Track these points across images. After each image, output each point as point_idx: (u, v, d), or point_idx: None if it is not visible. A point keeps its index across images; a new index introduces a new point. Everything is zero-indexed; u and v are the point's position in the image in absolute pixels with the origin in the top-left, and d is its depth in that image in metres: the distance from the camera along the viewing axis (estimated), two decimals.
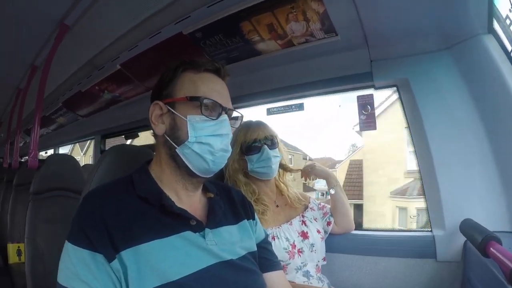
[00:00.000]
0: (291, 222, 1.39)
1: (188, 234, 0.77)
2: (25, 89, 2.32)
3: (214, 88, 0.85)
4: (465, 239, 1.24)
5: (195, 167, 0.81)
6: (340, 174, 11.54)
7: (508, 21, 1.12)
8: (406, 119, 1.52)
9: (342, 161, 13.06)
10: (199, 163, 0.81)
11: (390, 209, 9.44)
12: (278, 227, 1.34)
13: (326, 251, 1.44)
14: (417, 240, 1.43)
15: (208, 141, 0.80)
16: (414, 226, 8.78)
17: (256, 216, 1.01)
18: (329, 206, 1.52)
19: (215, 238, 0.81)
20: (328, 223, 1.47)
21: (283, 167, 1.50)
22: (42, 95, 1.78)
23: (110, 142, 3.43)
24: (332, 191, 1.48)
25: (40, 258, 1.54)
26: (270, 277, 0.93)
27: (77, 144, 4.87)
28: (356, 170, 11.43)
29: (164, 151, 0.84)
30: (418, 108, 1.41)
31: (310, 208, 1.48)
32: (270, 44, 1.57)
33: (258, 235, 0.98)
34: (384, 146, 9.87)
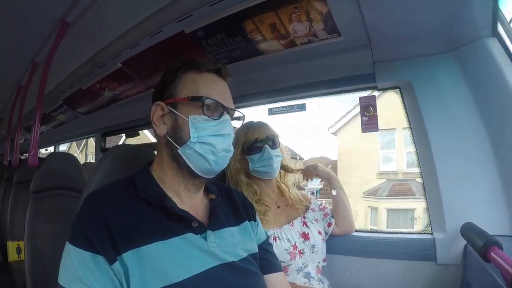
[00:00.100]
0: (292, 223, 1.38)
1: (190, 236, 0.77)
2: (26, 86, 2.32)
3: (215, 88, 0.85)
4: (466, 242, 1.24)
5: (197, 168, 0.81)
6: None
7: None
8: (408, 121, 1.51)
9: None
10: (201, 163, 0.81)
11: (362, 208, 9.71)
12: (280, 228, 1.34)
13: (327, 253, 1.44)
14: (418, 242, 1.43)
15: (210, 141, 0.80)
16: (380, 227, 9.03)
17: (257, 217, 1.01)
18: (330, 207, 1.51)
19: (217, 240, 0.81)
20: (329, 224, 1.47)
21: (284, 168, 1.49)
22: (42, 93, 1.77)
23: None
24: (334, 192, 1.48)
25: (40, 257, 1.54)
26: (271, 278, 0.93)
27: (74, 142, 4.87)
28: (333, 171, 11.69)
29: (166, 152, 0.84)
30: (420, 111, 1.40)
31: (311, 209, 1.47)
32: (272, 44, 1.56)
33: (259, 237, 0.97)
34: (358, 148, 10.20)
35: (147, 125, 2.81)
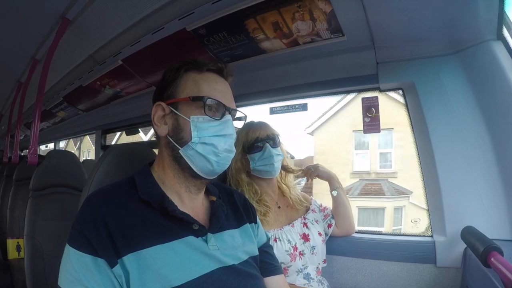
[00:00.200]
0: (292, 224, 1.38)
1: (191, 239, 0.76)
2: (26, 83, 2.31)
3: (217, 88, 0.84)
4: (466, 245, 1.23)
5: (199, 169, 0.80)
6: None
7: None
8: (411, 124, 1.50)
9: None
10: (203, 164, 0.80)
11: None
12: (280, 229, 1.34)
13: (327, 253, 1.43)
14: (418, 245, 1.43)
15: (212, 142, 0.79)
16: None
17: (258, 220, 1.01)
18: (331, 208, 1.51)
19: (218, 243, 0.80)
20: (329, 225, 1.47)
21: (284, 168, 1.49)
22: (43, 89, 1.77)
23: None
24: (334, 193, 1.47)
25: (39, 256, 1.54)
26: (271, 281, 0.92)
27: (72, 139, 4.88)
28: None
29: (167, 153, 0.83)
30: (423, 113, 1.39)
31: (312, 210, 1.47)
32: (275, 42, 1.55)
33: (259, 239, 0.97)
34: (333, 148, 10.44)
35: (148, 122, 2.80)
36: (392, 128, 10.07)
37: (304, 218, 1.42)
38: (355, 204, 9.43)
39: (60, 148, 5.03)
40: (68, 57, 2.05)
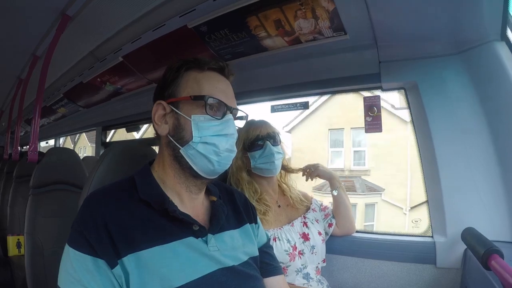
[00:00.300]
0: (292, 223, 1.38)
1: (191, 240, 0.76)
2: (26, 79, 2.31)
3: (218, 87, 0.83)
4: (466, 247, 1.23)
5: (200, 168, 0.80)
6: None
7: None
8: (412, 124, 1.49)
9: None
10: (203, 164, 0.79)
11: None
12: (280, 229, 1.33)
13: (326, 252, 1.43)
14: (418, 245, 1.42)
15: (213, 141, 0.78)
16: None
17: (258, 220, 1.00)
18: (331, 208, 1.50)
19: (218, 244, 0.80)
20: (330, 225, 1.46)
21: (285, 168, 1.48)
22: (43, 85, 1.77)
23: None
24: (335, 193, 1.47)
25: (39, 253, 1.54)
26: (271, 282, 0.92)
27: (69, 136, 4.89)
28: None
29: (167, 152, 0.82)
30: (425, 113, 1.38)
31: (312, 209, 1.46)
32: (277, 40, 1.54)
33: (260, 239, 0.97)
34: (310, 146, 10.68)
35: (148, 119, 2.80)
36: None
37: (304, 217, 1.41)
38: (328, 200, 9.69)
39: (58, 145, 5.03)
40: (69, 53, 2.05)
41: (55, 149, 2.07)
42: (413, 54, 1.40)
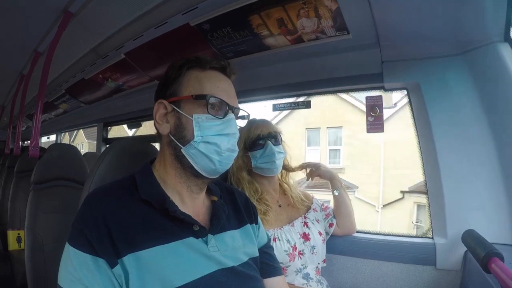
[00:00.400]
0: (293, 223, 1.37)
1: (191, 240, 0.76)
2: (28, 75, 2.31)
3: (220, 86, 0.83)
4: (466, 249, 1.23)
5: (201, 168, 0.79)
6: None
7: None
8: (414, 124, 1.48)
9: None
10: (205, 163, 0.79)
11: None
12: (280, 229, 1.33)
13: (326, 252, 1.43)
14: (418, 246, 1.42)
15: (214, 141, 0.78)
16: None
17: (259, 220, 1.00)
18: (332, 208, 1.50)
19: (218, 244, 0.80)
20: (330, 225, 1.46)
21: (285, 168, 1.48)
22: (45, 81, 1.76)
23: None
24: (336, 193, 1.47)
25: (40, 248, 1.55)
26: (271, 283, 0.92)
27: (67, 132, 4.90)
28: None
29: (168, 152, 0.82)
30: (427, 114, 1.38)
31: (313, 209, 1.46)
32: (279, 39, 1.53)
33: (260, 240, 0.96)
34: (288, 144, 11.00)
35: (149, 116, 2.80)
36: (341, 127, 10.82)
37: (305, 217, 1.41)
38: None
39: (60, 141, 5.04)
40: (71, 50, 2.05)
41: (56, 145, 2.07)
42: (416, 54, 1.40)
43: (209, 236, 0.79)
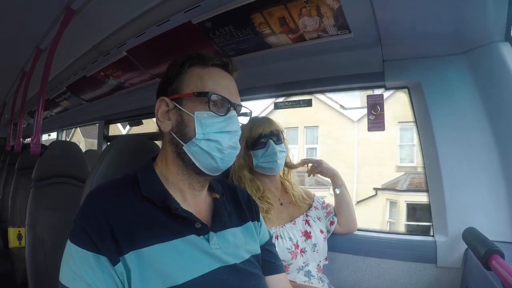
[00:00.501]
0: (294, 221, 1.37)
1: (193, 238, 0.76)
2: (30, 72, 2.32)
3: (222, 83, 0.82)
4: (467, 246, 1.23)
5: (203, 165, 0.79)
6: None
7: None
8: (415, 123, 1.49)
9: None
10: (207, 161, 0.78)
11: None
12: (282, 227, 1.33)
13: (328, 250, 1.43)
14: (419, 244, 1.43)
15: (216, 138, 0.78)
16: None
17: (261, 217, 1.00)
18: (333, 205, 1.50)
19: (219, 242, 0.79)
20: (331, 223, 1.46)
21: (287, 165, 1.48)
22: (46, 78, 1.77)
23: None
24: (337, 191, 1.47)
25: (40, 245, 1.54)
26: (273, 280, 0.92)
27: (65, 130, 4.91)
28: None
29: (170, 149, 0.82)
30: (428, 113, 1.38)
31: (314, 207, 1.46)
32: (281, 37, 1.53)
33: (262, 237, 0.96)
34: None
35: (151, 114, 2.80)
36: (318, 126, 11.11)
37: (307, 215, 1.41)
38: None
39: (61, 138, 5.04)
40: (73, 47, 2.05)
41: (57, 142, 2.07)
42: (417, 53, 1.40)
43: (211, 233, 0.79)
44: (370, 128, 1.56)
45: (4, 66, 2.62)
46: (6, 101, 4.02)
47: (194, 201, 0.83)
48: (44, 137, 5.49)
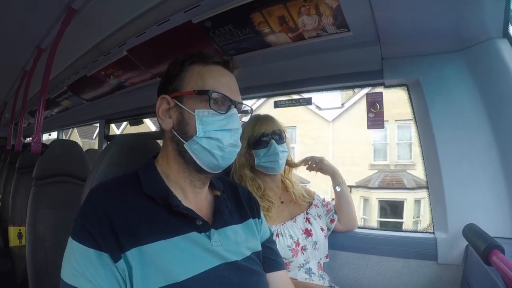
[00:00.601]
0: (295, 219, 1.38)
1: (194, 235, 0.76)
2: (31, 71, 2.32)
3: (222, 81, 0.82)
4: (467, 243, 1.23)
5: (204, 163, 0.79)
6: None
7: None
8: (415, 120, 1.50)
9: None
10: (207, 158, 0.79)
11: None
12: (283, 224, 1.34)
13: (328, 248, 1.43)
14: (419, 241, 1.43)
15: (217, 136, 0.78)
16: None
17: (261, 214, 1.00)
18: (333, 203, 1.51)
19: (220, 239, 0.80)
20: (332, 221, 1.47)
21: (288, 164, 1.48)
22: (47, 78, 1.77)
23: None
24: (337, 189, 1.47)
25: (41, 244, 1.55)
26: (274, 277, 0.92)
27: (63, 130, 4.93)
28: None
29: (171, 147, 0.82)
30: (427, 110, 1.39)
31: (314, 205, 1.47)
32: (280, 36, 1.54)
33: (262, 234, 0.96)
34: None
35: (151, 113, 2.81)
36: (296, 126, 11.29)
37: (307, 213, 1.42)
38: None
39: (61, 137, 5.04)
40: (73, 46, 2.06)
41: (58, 141, 2.08)
42: (415, 51, 1.41)
43: (212, 230, 0.79)
44: (369, 126, 1.57)
45: (5, 65, 2.63)
46: (7, 100, 4.03)
47: (195, 198, 0.83)
48: (44, 137, 5.49)
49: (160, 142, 0.94)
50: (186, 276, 0.69)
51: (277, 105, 1.89)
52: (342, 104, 10.77)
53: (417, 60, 1.41)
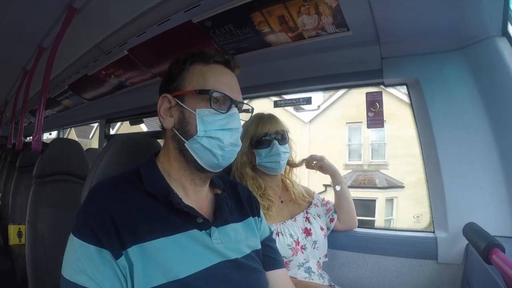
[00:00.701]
0: (295, 218, 1.38)
1: (194, 232, 0.76)
2: (32, 70, 2.33)
3: (223, 80, 0.82)
4: (467, 242, 1.23)
5: (204, 162, 0.79)
6: None
7: None
8: (414, 119, 1.49)
9: None
10: (208, 157, 0.79)
11: None
12: (283, 223, 1.34)
13: (328, 247, 1.43)
14: (419, 240, 1.43)
15: (217, 136, 0.78)
16: None
17: (261, 213, 1.00)
18: (333, 203, 1.51)
19: (221, 236, 0.80)
20: (331, 220, 1.47)
21: (289, 164, 1.48)
22: (48, 77, 1.78)
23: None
24: (337, 188, 1.47)
25: (40, 242, 1.55)
26: (273, 275, 0.92)
27: (62, 130, 4.94)
28: None
29: (172, 145, 0.82)
30: (427, 109, 1.39)
31: (314, 205, 1.47)
32: (280, 36, 1.54)
33: (262, 232, 0.97)
34: None
35: (152, 113, 2.81)
36: None
37: (307, 213, 1.42)
38: None
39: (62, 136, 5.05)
40: (74, 46, 2.06)
41: (59, 140, 2.08)
42: (415, 50, 1.41)
43: (213, 228, 0.79)
44: (369, 125, 1.57)
45: (6, 64, 2.63)
46: (8, 99, 4.03)
47: (196, 196, 0.84)
48: (45, 136, 5.51)
49: (160, 141, 0.94)
50: (187, 273, 0.70)
51: (277, 104, 1.89)
52: (318, 106, 10.85)
53: (416, 59, 1.41)
